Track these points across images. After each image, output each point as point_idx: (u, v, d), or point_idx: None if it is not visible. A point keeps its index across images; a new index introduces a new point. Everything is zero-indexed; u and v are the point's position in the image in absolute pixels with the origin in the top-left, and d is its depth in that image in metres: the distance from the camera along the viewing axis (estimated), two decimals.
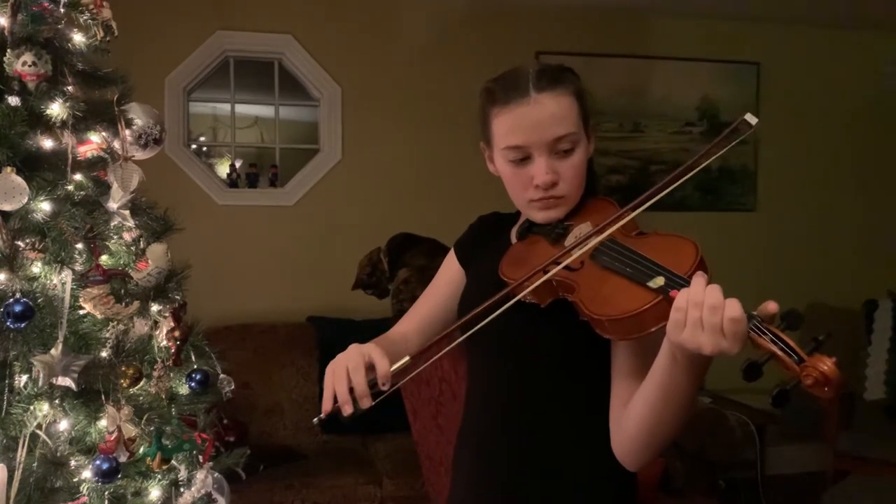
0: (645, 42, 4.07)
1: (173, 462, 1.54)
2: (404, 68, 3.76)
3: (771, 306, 0.85)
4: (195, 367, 1.63)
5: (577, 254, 1.05)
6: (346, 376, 1.02)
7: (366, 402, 1.00)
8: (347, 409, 1.01)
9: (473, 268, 1.29)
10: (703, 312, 0.84)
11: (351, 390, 1.02)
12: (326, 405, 1.03)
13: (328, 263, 3.66)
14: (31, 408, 1.31)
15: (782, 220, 4.25)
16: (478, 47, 3.77)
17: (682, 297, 0.87)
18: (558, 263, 1.05)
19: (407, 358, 1.05)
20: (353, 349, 1.05)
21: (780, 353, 0.82)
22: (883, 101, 4.34)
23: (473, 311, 1.07)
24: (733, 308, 0.84)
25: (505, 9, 3.85)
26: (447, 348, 1.08)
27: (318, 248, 3.69)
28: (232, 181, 3.70)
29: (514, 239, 1.24)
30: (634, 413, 1.04)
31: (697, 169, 1.05)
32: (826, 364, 0.79)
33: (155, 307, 1.57)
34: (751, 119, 1.01)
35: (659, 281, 0.91)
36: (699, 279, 0.88)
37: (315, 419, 1.05)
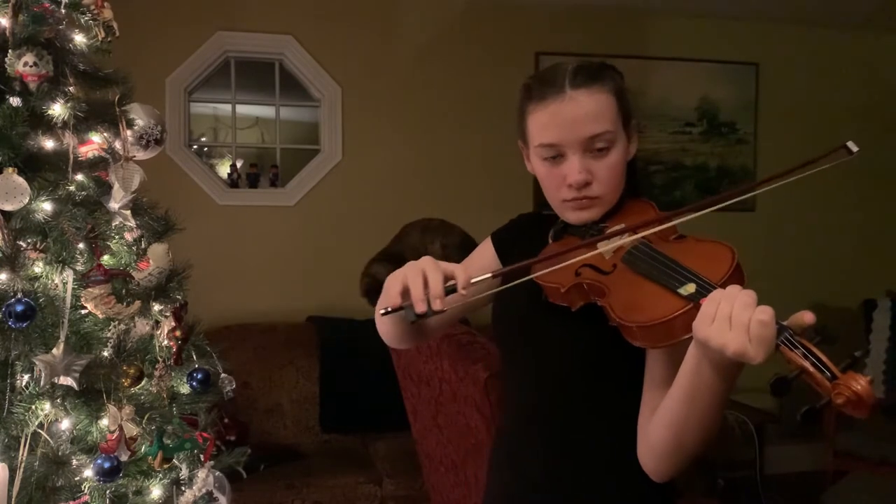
0: (644, 42, 4.07)
1: (174, 461, 1.55)
2: (404, 68, 3.76)
3: (807, 317, 0.81)
4: (196, 366, 1.64)
5: (607, 256, 1.02)
6: (421, 276, 0.96)
7: (438, 304, 0.94)
8: (421, 307, 0.94)
9: (508, 261, 1.26)
10: (734, 308, 0.82)
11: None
12: (394, 301, 0.97)
13: (328, 263, 3.66)
14: (33, 407, 1.32)
15: (782, 220, 4.26)
16: (478, 47, 3.78)
17: (717, 293, 0.85)
18: (588, 264, 1.02)
19: (489, 274, 1.01)
20: (426, 258, 1.00)
21: (811, 368, 0.77)
22: (882, 101, 4.35)
23: (503, 269, 1.05)
24: (764, 311, 0.81)
25: (505, 9, 3.85)
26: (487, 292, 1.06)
27: (318, 248, 3.70)
28: (233, 181, 3.70)
29: (550, 240, 1.22)
30: (659, 421, 1.02)
31: (767, 187, 1.06)
32: (860, 383, 0.74)
33: (156, 307, 1.57)
34: (852, 147, 1.01)
35: (690, 288, 0.88)
36: (735, 286, 0.85)
37: (382, 311, 0.99)
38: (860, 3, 3.86)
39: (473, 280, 0.98)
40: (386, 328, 1.25)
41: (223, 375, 1.72)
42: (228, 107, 3.83)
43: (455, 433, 2.07)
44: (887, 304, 3.82)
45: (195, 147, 4.07)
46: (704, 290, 0.87)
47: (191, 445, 1.56)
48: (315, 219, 3.69)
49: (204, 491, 1.59)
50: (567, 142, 1.09)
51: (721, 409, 0.95)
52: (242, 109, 4.17)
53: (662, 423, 1.01)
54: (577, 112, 1.07)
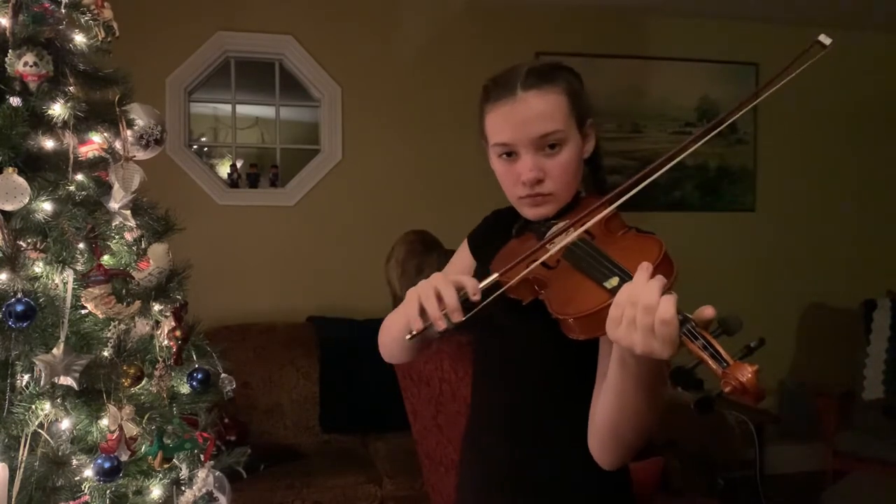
0: (644, 42, 4.07)
1: (174, 461, 1.55)
2: (404, 68, 3.76)
3: (707, 311, 0.84)
4: (196, 366, 1.64)
5: (551, 251, 1.06)
6: (434, 295, 1.01)
7: (457, 316, 1.00)
8: (441, 325, 1.00)
9: (483, 259, 1.30)
10: (638, 312, 0.84)
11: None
12: (416, 324, 1.02)
13: (328, 263, 3.66)
14: (33, 407, 1.32)
15: (782, 220, 4.26)
16: (478, 47, 3.78)
17: (622, 294, 0.87)
18: (535, 260, 1.06)
19: (495, 275, 1.05)
20: (436, 275, 1.05)
21: (708, 358, 0.80)
22: (882, 101, 4.35)
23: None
24: (667, 311, 0.82)
25: (505, 9, 3.85)
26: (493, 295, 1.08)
27: (318, 248, 3.70)
28: (233, 181, 3.70)
29: (513, 234, 1.26)
30: (598, 411, 1.06)
31: (720, 128, 1.03)
32: (746, 373, 0.77)
33: (156, 307, 1.57)
34: (825, 39, 1.00)
35: (614, 282, 0.91)
36: (642, 274, 0.87)
37: (407, 336, 1.03)
38: (860, 3, 3.86)
39: (482, 285, 1.02)
40: (389, 348, 1.31)
41: (223, 375, 1.72)
42: (228, 107, 3.83)
43: (455, 433, 2.07)
44: (887, 304, 3.82)
45: (195, 147, 4.07)
46: (626, 283, 0.90)
47: (191, 445, 1.56)
48: (315, 219, 3.69)
49: (204, 491, 1.59)
50: (519, 141, 1.13)
51: (653, 399, 0.98)
52: (242, 109, 4.17)
53: (601, 413, 1.05)
54: (527, 112, 1.12)
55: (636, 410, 0.99)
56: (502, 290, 1.06)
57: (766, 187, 4.25)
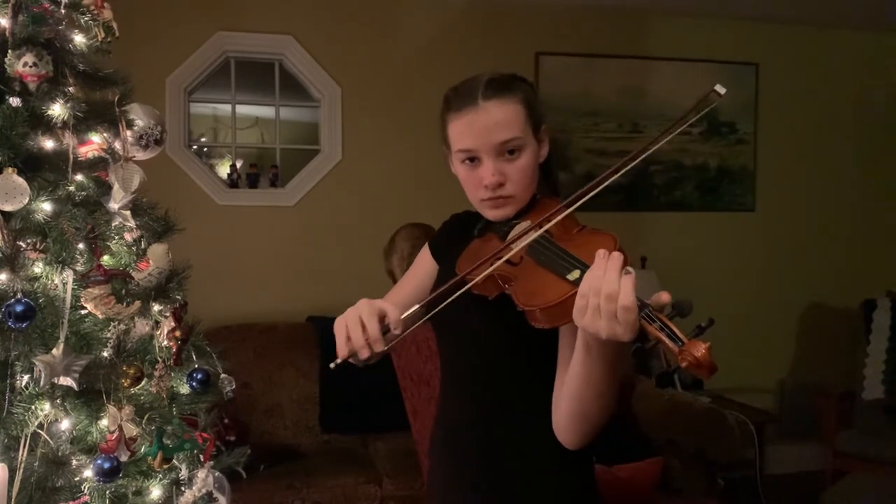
0: (644, 42, 4.07)
1: (174, 461, 1.55)
2: (404, 68, 3.76)
3: (664, 297, 0.92)
4: (196, 366, 1.64)
5: (515, 249, 1.13)
6: (360, 323, 1.08)
7: (379, 346, 1.07)
8: (364, 353, 1.07)
9: (445, 262, 1.36)
10: (602, 300, 0.91)
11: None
12: (342, 352, 1.09)
13: (328, 263, 3.66)
14: (33, 407, 1.32)
15: (782, 220, 4.26)
16: (478, 47, 3.78)
17: (585, 284, 0.94)
18: (499, 258, 1.13)
19: (417, 306, 1.13)
20: (363, 302, 1.12)
21: (664, 338, 0.89)
22: (882, 101, 4.35)
23: (429, 296, 1.17)
24: (627, 297, 0.90)
25: (505, 9, 3.85)
26: (418, 321, 1.16)
27: (318, 248, 3.70)
28: (232, 181, 3.70)
29: (475, 235, 1.33)
30: (564, 394, 1.12)
31: (659, 143, 1.14)
32: (700, 349, 0.85)
33: (156, 307, 1.57)
34: (720, 89, 1.11)
35: (575, 274, 1.00)
36: (600, 261, 0.94)
37: (332, 364, 1.10)
38: (860, 3, 3.86)
39: (404, 316, 1.10)
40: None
41: (223, 376, 1.72)
42: (228, 107, 3.83)
43: None
44: (887, 304, 3.82)
45: (195, 147, 4.07)
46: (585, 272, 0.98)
47: (191, 446, 1.56)
48: (315, 219, 3.69)
49: (204, 491, 1.59)
50: (481, 147, 1.20)
51: (615, 378, 1.06)
52: (242, 109, 4.17)
53: (566, 395, 1.11)
54: (488, 121, 1.19)
55: (600, 391, 1.06)
56: (468, 286, 1.12)
57: (766, 187, 4.25)
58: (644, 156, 1.13)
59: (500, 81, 1.22)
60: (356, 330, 1.08)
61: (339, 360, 1.09)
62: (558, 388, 1.15)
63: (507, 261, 1.13)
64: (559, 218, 1.14)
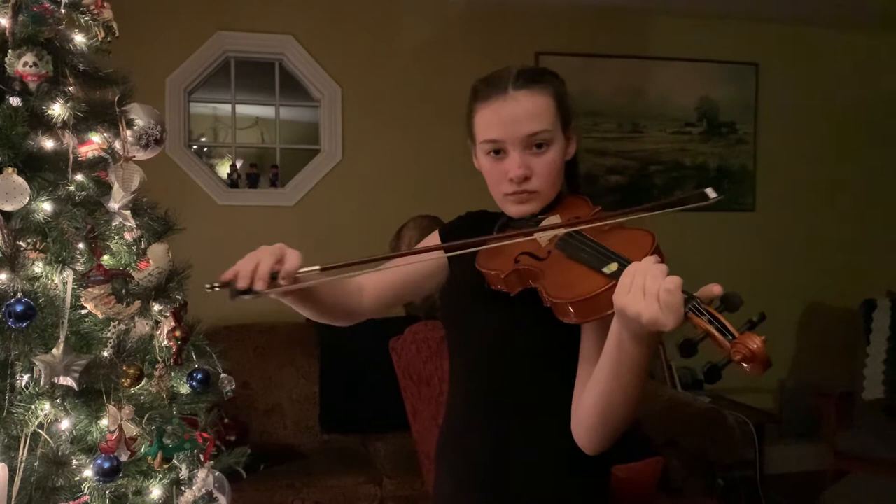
0: (644, 42, 4.07)
1: (174, 461, 1.55)
2: (404, 68, 3.76)
3: (715, 289, 0.89)
4: (196, 366, 1.64)
5: (542, 243, 1.11)
6: (256, 258, 1.05)
7: (259, 286, 1.03)
8: (242, 284, 1.03)
9: (457, 259, 1.31)
10: (647, 279, 0.89)
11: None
12: (226, 275, 1.06)
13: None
14: (33, 407, 1.32)
15: (781, 220, 4.26)
16: (478, 47, 3.78)
17: (632, 266, 0.92)
18: (526, 252, 1.11)
19: (317, 267, 1.09)
20: (279, 244, 1.09)
21: (714, 331, 0.86)
22: (881, 102, 4.35)
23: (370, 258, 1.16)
24: (671, 281, 0.88)
25: (505, 9, 3.85)
26: (311, 282, 1.14)
27: (318, 248, 3.68)
28: (232, 181, 3.70)
29: (494, 233, 1.29)
30: (588, 395, 1.08)
31: (652, 213, 1.14)
32: (755, 342, 0.82)
33: (156, 307, 1.57)
34: (711, 193, 1.11)
35: (613, 267, 0.97)
36: (650, 258, 0.93)
37: (207, 285, 1.06)
38: (860, 3, 3.86)
39: (301, 271, 1.06)
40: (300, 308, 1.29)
41: (223, 375, 1.72)
42: (228, 107, 3.83)
43: None
44: (887, 304, 3.82)
45: (195, 147, 4.07)
46: (625, 267, 0.95)
47: (191, 445, 1.56)
48: (315, 219, 3.69)
49: (204, 491, 1.59)
50: (508, 138, 1.16)
51: (642, 383, 1.02)
52: (242, 109, 4.17)
53: (591, 396, 1.07)
54: (517, 110, 1.15)
55: (626, 397, 1.02)
56: (487, 285, 1.11)
57: (765, 187, 4.25)
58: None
59: (532, 73, 1.19)
60: (250, 261, 1.05)
61: (216, 283, 1.06)
62: (578, 389, 1.12)
63: (533, 255, 1.10)
64: (594, 225, 1.11)
